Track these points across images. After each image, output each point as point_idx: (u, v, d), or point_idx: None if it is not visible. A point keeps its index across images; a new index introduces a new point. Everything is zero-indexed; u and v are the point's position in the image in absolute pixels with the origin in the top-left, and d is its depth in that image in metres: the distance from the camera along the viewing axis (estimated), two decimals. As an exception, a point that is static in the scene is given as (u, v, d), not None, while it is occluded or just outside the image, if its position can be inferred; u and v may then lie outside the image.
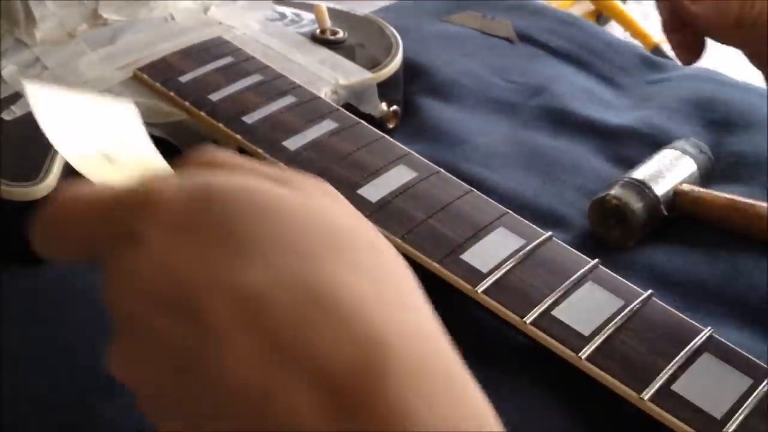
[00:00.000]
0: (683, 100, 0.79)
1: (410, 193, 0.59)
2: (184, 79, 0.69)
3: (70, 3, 0.76)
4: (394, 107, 0.75)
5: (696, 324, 0.51)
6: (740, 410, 0.46)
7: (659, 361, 0.48)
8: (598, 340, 0.50)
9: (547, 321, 0.51)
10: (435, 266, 0.54)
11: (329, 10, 0.80)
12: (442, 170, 0.62)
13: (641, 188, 0.63)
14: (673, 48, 0.58)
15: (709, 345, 0.50)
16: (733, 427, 0.45)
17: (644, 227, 0.62)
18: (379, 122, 0.73)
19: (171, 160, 0.65)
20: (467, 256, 0.55)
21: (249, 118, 0.66)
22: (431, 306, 0.43)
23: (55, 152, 0.62)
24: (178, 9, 0.80)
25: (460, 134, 0.75)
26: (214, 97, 0.67)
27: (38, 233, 0.36)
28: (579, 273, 0.54)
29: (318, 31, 0.79)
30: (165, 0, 0.80)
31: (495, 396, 0.50)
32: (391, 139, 0.64)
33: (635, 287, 0.53)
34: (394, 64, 0.76)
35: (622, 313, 0.51)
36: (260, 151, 0.63)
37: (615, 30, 2.01)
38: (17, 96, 0.68)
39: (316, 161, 0.62)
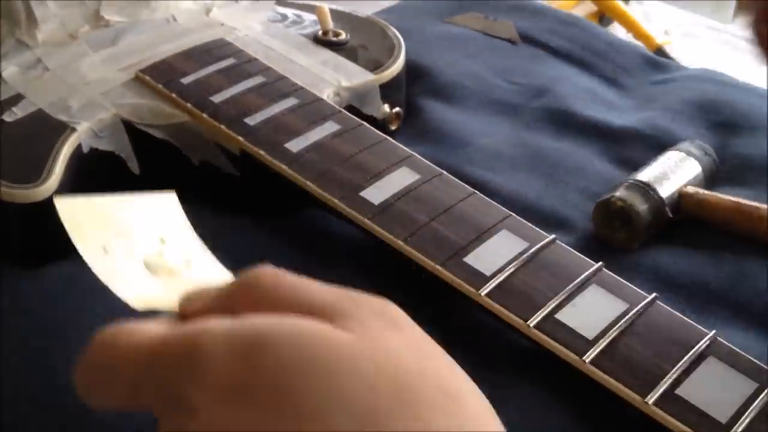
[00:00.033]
0: (687, 102, 0.78)
1: (413, 195, 0.59)
2: (186, 80, 0.69)
3: (71, 4, 0.76)
4: (397, 109, 0.74)
5: (701, 327, 0.50)
6: (745, 414, 0.45)
7: (664, 365, 0.48)
8: (602, 344, 0.49)
9: (550, 324, 0.51)
10: (438, 269, 0.54)
11: (331, 11, 0.80)
12: (445, 172, 0.61)
13: (646, 190, 0.62)
14: (760, 44, 0.56)
15: (714, 349, 0.49)
16: (739, 431, 0.45)
17: (649, 229, 0.62)
18: (381, 124, 0.73)
19: (177, 163, 0.66)
20: (470, 259, 0.55)
21: (251, 120, 0.65)
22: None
23: (57, 153, 0.62)
24: (179, 10, 0.80)
25: (463, 136, 0.75)
26: (216, 98, 0.67)
27: (80, 380, 0.34)
28: (583, 276, 0.53)
29: (320, 32, 0.78)
30: (167, 1, 0.80)
31: (497, 398, 0.50)
32: (394, 141, 0.64)
33: (639, 290, 0.53)
34: (397, 65, 0.76)
35: (627, 317, 0.51)
36: (262, 152, 0.62)
37: (617, 31, 2.01)
38: (18, 97, 0.67)
39: (318, 163, 0.61)
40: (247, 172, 0.66)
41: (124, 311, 0.38)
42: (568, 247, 0.56)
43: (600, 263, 0.54)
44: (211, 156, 0.67)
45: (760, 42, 0.56)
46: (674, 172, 0.65)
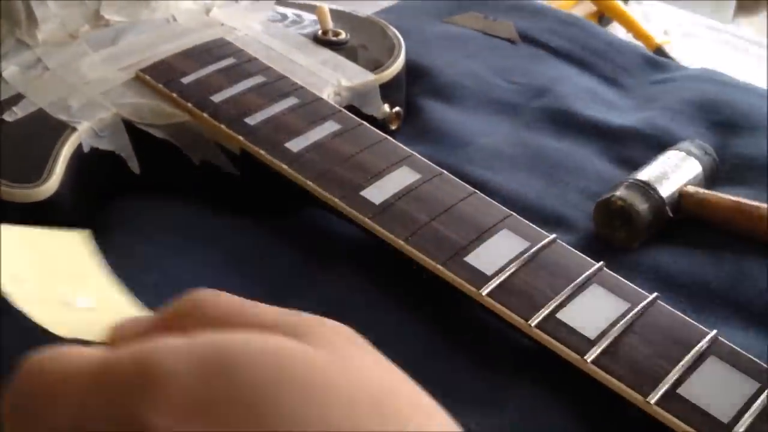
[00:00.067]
0: (687, 102, 0.79)
1: (413, 195, 0.59)
2: (186, 80, 0.69)
3: (71, 3, 0.76)
4: (397, 109, 0.74)
5: (702, 327, 0.50)
6: (747, 414, 0.45)
7: (665, 365, 0.48)
8: (603, 343, 0.49)
9: (552, 324, 0.51)
10: (439, 269, 0.54)
11: (331, 11, 0.80)
12: (445, 172, 0.61)
13: (646, 189, 0.62)
14: None
15: (715, 348, 0.49)
16: (741, 430, 0.45)
17: (649, 228, 0.62)
18: (381, 124, 0.73)
19: (177, 160, 0.66)
20: (471, 259, 0.55)
21: (251, 120, 0.65)
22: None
23: (57, 153, 0.62)
24: (180, 10, 0.80)
25: (463, 136, 0.75)
26: (217, 98, 0.67)
27: (10, 414, 0.30)
28: (584, 275, 0.53)
29: (320, 32, 0.78)
30: (167, 1, 0.80)
31: (498, 398, 0.51)
32: (394, 141, 0.64)
33: (640, 290, 0.53)
34: (397, 65, 0.76)
35: (628, 316, 0.51)
36: (262, 152, 0.62)
37: (617, 31, 2.01)
38: (19, 97, 0.67)
39: (318, 163, 0.61)
40: (248, 171, 0.66)
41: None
42: (569, 247, 0.56)
43: (601, 263, 0.54)
44: (212, 155, 0.67)
45: None
46: (674, 172, 0.65)
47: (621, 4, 2.08)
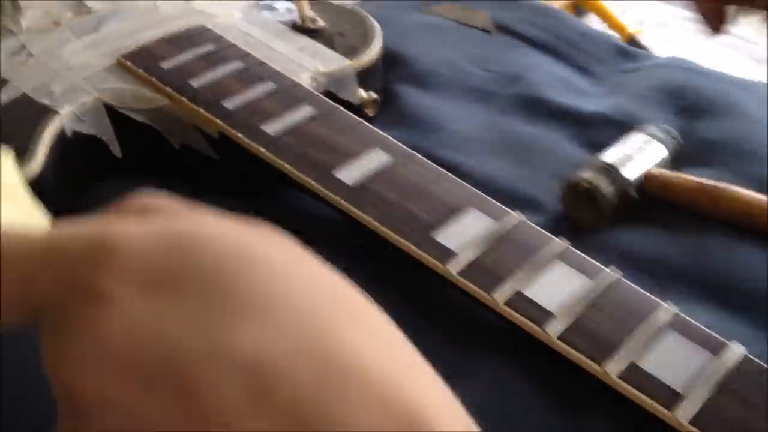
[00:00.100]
0: (656, 88, 0.81)
1: (386, 176, 0.61)
2: (166, 65, 0.70)
3: (55, -8, 0.78)
4: (374, 95, 0.76)
5: (661, 302, 0.52)
6: (700, 383, 0.47)
7: (624, 337, 0.50)
8: (566, 318, 0.51)
9: (517, 299, 0.52)
10: (409, 246, 0.56)
11: (310, 0, 0.82)
12: (417, 154, 0.63)
13: (612, 172, 0.64)
14: (703, 14, 0.59)
15: (673, 322, 0.51)
16: (693, 398, 0.47)
17: (615, 210, 0.64)
18: (358, 109, 0.75)
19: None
20: (440, 237, 0.56)
21: (229, 104, 0.67)
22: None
23: (40, 136, 0.64)
24: (161, -2, 0.82)
25: (438, 121, 0.77)
26: (195, 83, 0.69)
27: None
28: (548, 253, 0.55)
29: (299, 20, 0.80)
30: (148, -11, 0.81)
31: (465, 369, 0.53)
32: (368, 125, 0.66)
33: (603, 267, 0.55)
34: (373, 52, 0.78)
35: (590, 292, 0.53)
36: (240, 135, 0.64)
37: (592, 22, 2.04)
38: (3, 82, 0.69)
39: (294, 146, 0.63)
40: (226, 154, 0.67)
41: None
42: (535, 226, 0.58)
43: (565, 240, 0.56)
44: (191, 139, 0.68)
45: (701, 16, 0.58)
46: (639, 154, 0.67)
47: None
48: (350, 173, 0.61)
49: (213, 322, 0.26)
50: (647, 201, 0.66)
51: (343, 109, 0.68)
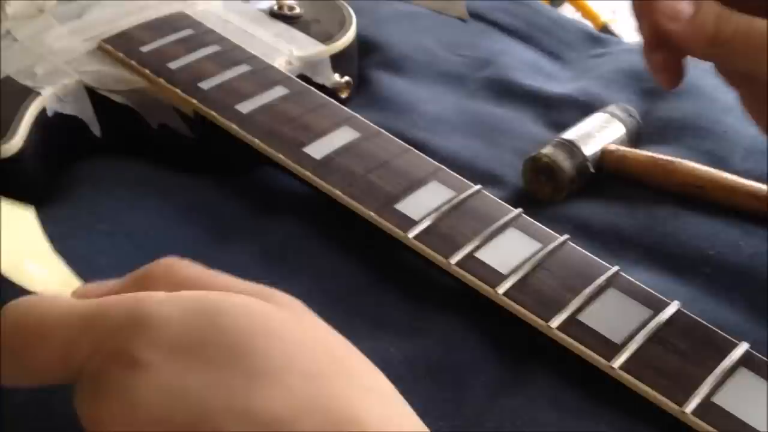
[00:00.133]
0: (620, 71, 0.83)
1: (352, 151, 0.64)
2: (145, 49, 0.73)
3: (39, -20, 0.81)
4: (347, 78, 0.79)
5: (605, 263, 0.55)
6: (639, 336, 0.50)
7: (569, 296, 0.53)
8: (514, 278, 0.54)
9: (470, 262, 0.55)
10: (371, 215, 0.59)
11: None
12: (384, 131, 0.66)
13: (570, 147, 0.67)
14: (655, 72, 0.57)
15: (616, 281, 0.54)
16: (630, 350, 0.49)
17: (572, 184, 0.67)
18: (332, 92, 0.77)
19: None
20: (401, 206, 0.59)
21: (205, 85, 0.69)
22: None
23: (22, 115, 0.66)
24: (144, -14, 0.84)
25: (409, 103, 0.79)
26: (173, 65, 0.71)
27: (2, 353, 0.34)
28: (502, 220, 0.58)
29: (276, 7, 0.83)
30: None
31: (419, 327, 0.55)
32: (338, 103, 0.69)
33: (553, 232, 0.57)
34: (347, 37, 0.80)
35: (539, 255, 0.55)
36: (214, 113, 0.67)
37: (567, 10, 2.07)
38: (-12, 66, 0.72)
39: (266, 123, 0.66)
40: (201, 133, 0.70)
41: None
42: (492, 196, 0.60)
43: (519, 210, 0.59)
44: (168, 119, 0.71)
45: (653, 72, 0.59)
46: (599, 132, 0.69)
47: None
48: (319, 149, 0.64)
49: (233, 385, 0.31)
50: (604, 176, 0.68)
51: (314, 89, 0.70)
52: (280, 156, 0.63)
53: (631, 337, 0.50)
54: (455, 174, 0.62)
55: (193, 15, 0.80)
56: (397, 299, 0.58)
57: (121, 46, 0.74)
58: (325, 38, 0.79)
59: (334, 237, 0.62)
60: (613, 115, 0.71)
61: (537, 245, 0.56)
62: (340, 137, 0.65)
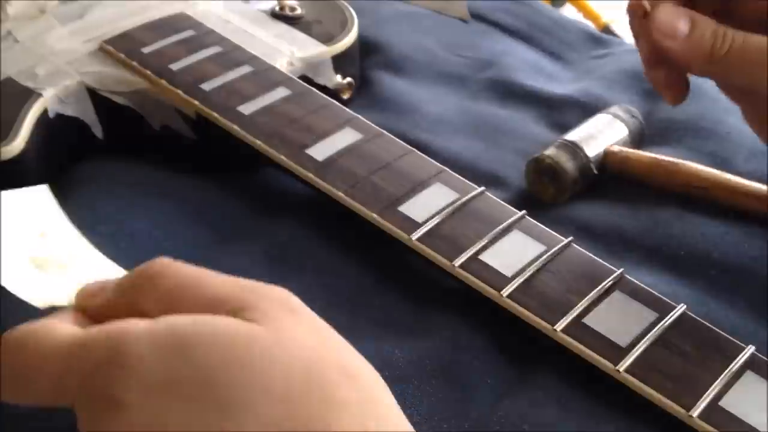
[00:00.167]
0: (622, 72, 0.83)
1: (355, 152, 0.64)
2: (146, 50, 0.73)
3: (40, -20, 0.81)
4: (349, 79, 0.78)
5: (610, 266, 0.55)
6: (644, 339, 0.50)
7: (573, 298, 0.52)
8: (519, 280, 0.54)
9: (474, 264, 0.55)
10: (374, 217, 0.58)
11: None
12: (386, 132, 0.65)
13: (573, 149, 0.67)
14: (657, 88, 0.59)
15: (621, 284, 0.54)
16: (637, 354, 0.49)
17: (575, 185, 0.67)
18: (334, 93, 0.77)
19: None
20: (404, 208, 0.59)
21: (207, 86, 0.69)
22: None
23: (24, 116, 0.66)
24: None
25: (411, 104, 0.79)
26: (175, 66, 0.71)
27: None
28: (506, 222, 0.58)
29: (277, 7, 0.82)
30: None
31: (423, 328, 0.55)
32: (339, 104, 0.69)
33: (557, 235, 0.57)
34: (349, 38, 0.80)
35: (543, 257, 0.55)
36: (216, 115, 0.67)
37: (569, 11, 2.07)
38: (-12, 66, 0.72)
39: (268, 124, 0.66)
40: (203, 134, 0.70)
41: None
42: (496, 198, 0.60)
43: (523, 212, 0.59)
44: (170, 121, 0.71)
45: (657, 89, 0.59)
46: (602, 133, 0.69)
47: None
48: (321, 150, 0.64)
49: (208, 419, 0.32)
50: (607, 177, 0.68)
51: (316, 89, 0.70)
52: (282, 157, 0.63)
53: (637, 341, 0.50)
54: (458, 176, 0.62)
55: (194, 15, 0.80)
56: (401, 300, 0.58)
57: (123, 47, 0.74)
58: (327, 39, 0.79)
59: (337, 238, 0.62)
60: (615, 116, 0.71)
61: (541, 247, 0.56)
62: (343, 139, 0.65)
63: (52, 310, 0.42)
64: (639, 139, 0.71)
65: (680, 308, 0.52)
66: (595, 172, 0.67)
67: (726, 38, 0.52)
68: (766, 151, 0.69)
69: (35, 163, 0.66)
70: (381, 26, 0.90)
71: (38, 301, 0.42)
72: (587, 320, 0.51)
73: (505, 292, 0.53)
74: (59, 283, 0.44)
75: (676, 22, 0.53)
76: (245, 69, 0.72)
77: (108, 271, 0.47)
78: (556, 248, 0.56)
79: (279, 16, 0.82)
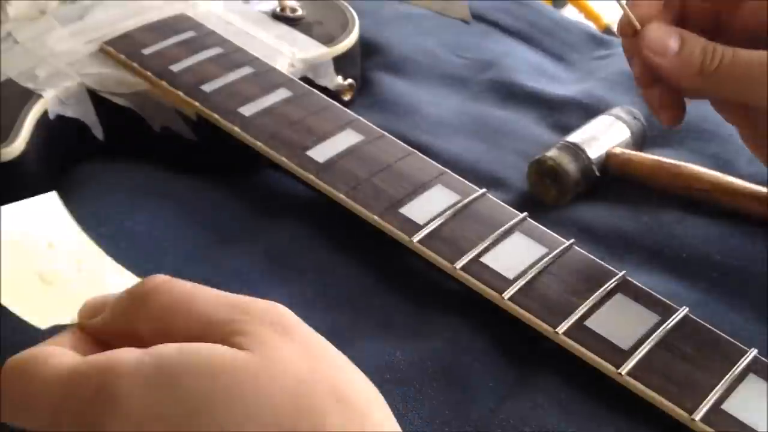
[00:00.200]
0: (624, 73, 0.83)
1: (356, 154, 0.63)
2: (147, 51, 0.73)
3: (40, -19, 0.80)
4: (350, 80, 0.78)
5: (612, 268, 0.55)
6: (646, 342, 0.50)
7: (575, 300, 0.52)
8: (520, 283, 0.53)
9: (475, 267, 0.55)
10: (375, 219, 0.58)
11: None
12: (387, 134, 0.65)
13: (575, 150, 0.67)
14: (653, 110, 0.59)
15: (623, 286, 0.54)
16: (639, 357, 0.49)
17: (577, 187, 0.66)
18: (335, 94, 0.77)
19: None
20: (405, 210, 0.59)
21: (207, 87, 0.69)
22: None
23: (24, 118, 0.66)
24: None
25: (411, 105, 0.79)
26: (175, 68, 0.71)
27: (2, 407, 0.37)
28: (508, 224, 0.58)
29: (278, 8, 0.82)
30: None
31: (425, 330, 0.55)
32: (341, 106, 0.68)
33: (559, 237, 0.57)
34: (350, 40, 0.80)
35: (545, 259, 0.55)
36: (216, 116, 0.66)
37: (570, 12, 2.06)
38: (-11, 68, 0.72)
39: (269, 126, 0.65)
40: (204, 136, 0.70)
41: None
42: (497, 200, 0.60)
43: (525, 213, 0.58)
44: (171, 122, 0.71)
45: (651, 109, 0.60)
46: (604, 135, 0.69)
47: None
48: (322, 151, 0.64)
49: None
50: (609, 179, 0.68)
51: (317, 91, 0.70)
52: (283, 159, 0.63)
53: (639, 343, 0.50)
54: (459, 177, 0.62)
55: (195, 17, 0.79)
56: (402, 302, 0.58)
57: (123, 48, 0.73)
58: (328, 40, 0.79)
59: (337, 240, 0.62)
60: (617, 117, 0.71)
61: (543, 250, 0.56)
62: (344, 140, 0.65)
63: (55, 330, 0.42)
64: (641, 140, 0.71)
65: (682, 311, 0.52)
66: (597, 173, 0.67)
67: (716, 54, 0.52)
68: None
69: (35, 165, 0.66)
70: (382, 27, 0.90)
71: (41, 321, 0.42)
72: (589, 323, 0.51)
73: (507, 294, 0.53)
74: (65, 299, 0.44)
75: (666, 39, 0.54)
76: (246, 70, 0.72)
77: (119, 278, 0.47)
78: (557, 250, 0.56)
79: (280, 17, 0.82)
